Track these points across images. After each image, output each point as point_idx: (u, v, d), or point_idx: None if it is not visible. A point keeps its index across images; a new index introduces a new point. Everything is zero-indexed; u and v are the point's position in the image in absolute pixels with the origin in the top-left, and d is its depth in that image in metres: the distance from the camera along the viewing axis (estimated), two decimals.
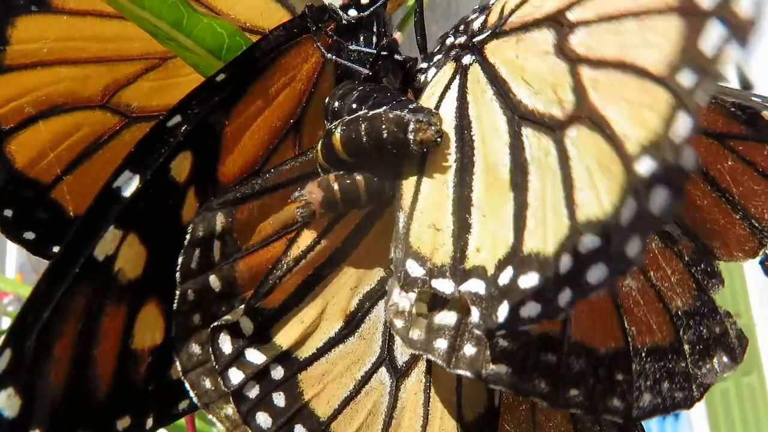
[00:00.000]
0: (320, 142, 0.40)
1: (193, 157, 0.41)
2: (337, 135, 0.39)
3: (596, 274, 0.30)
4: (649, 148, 0.28)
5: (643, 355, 0.40)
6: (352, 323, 0.42)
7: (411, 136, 0.37)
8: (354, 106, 0.41)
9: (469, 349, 0.36)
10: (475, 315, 0.34)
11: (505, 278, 0.33)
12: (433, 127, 0.37)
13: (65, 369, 0.36)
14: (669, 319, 0.42)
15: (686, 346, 0.42)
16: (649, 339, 0.41)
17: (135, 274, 0.39)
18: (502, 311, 0.32)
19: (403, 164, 0.40)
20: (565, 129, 0.33)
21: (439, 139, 0.37)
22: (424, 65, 0.46)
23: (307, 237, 0.42)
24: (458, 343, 0.36)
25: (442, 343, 0.37)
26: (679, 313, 0.42)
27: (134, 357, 0.39)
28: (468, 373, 0.37)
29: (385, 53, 0.47)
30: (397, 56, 0.48)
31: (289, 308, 0.42)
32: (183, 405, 0.43)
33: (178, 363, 0.40)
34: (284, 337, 0.42)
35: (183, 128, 0.41)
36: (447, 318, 0.37)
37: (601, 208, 0.30)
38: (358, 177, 0.40)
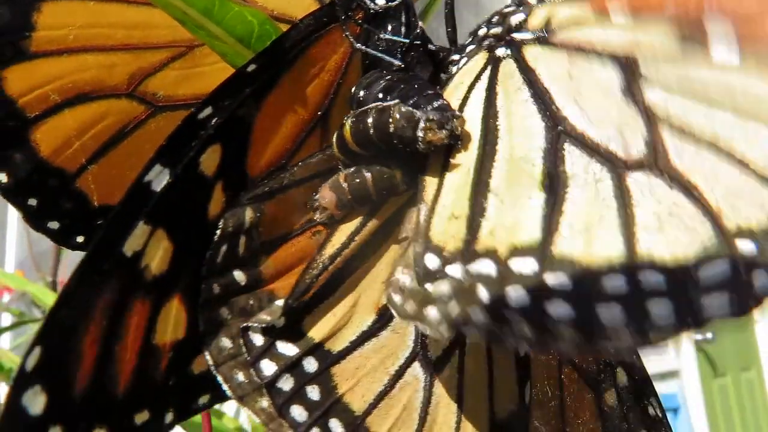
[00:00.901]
0: (335, 134, 0.40)
1: (223, 151, 0.40)
2: (347, 126, 0.38)
3: (661, 309, 0.30)
4: (751, 234, 0.30)
5: None
6: (385, 317, 0.42)
7: (420, 134, 0.36)
8: (380, 96, 0.40)
9: (456, 310, 0.35)
10: (483, 293, 0.33)
11: (522, 266, 0.32)
12: (444, 130, 0.36)
13: (90, 365, 0.35)
14: None
15: None
16: None
17: (160, 270, 0.38)
18: (515, 293, 0.32)
19: (426, 156, 0.39)
20: (629, 169, 0.33)
21: (451, 141, 0.37)
22: (456, 57, 0.45)
23: (341, 234, 0.41)
24: (449, 307, 0.35)
25: (434, 313, 0.35)
26: None
27: (155, 352, 0.38)
28: (453, 333, 0.35)
29: (417, 43, 0.46)
30: (430, 46, 0.47)
31: (320, 301, 0.41)
32: (203, 400, 0.42)
33: (208, 357, 0.39)
34: (316, 330, 0.41)
35: (214, 121, 0.39)
36: (441, 287, 0.36)
37: (671, 254, 0.30)
38: (367, 174, 0.39)
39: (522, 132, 0.36)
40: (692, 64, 0.35)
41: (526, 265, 0.32)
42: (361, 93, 0.42)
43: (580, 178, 0.34)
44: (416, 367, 0.41)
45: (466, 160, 0.37)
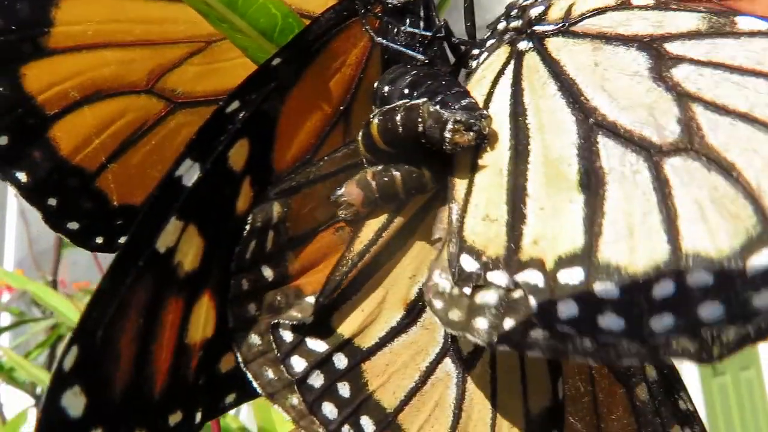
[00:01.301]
0: (361, 131, 0.39)
1: (250, 146, 0.39)
2: (375, 124, 0.37)
3: (710, 310, 0.29)
4: None
5: None
6: (413, 312, 0.41)
7: (448, 136, 0.35)
8: (405, 91, 0.40)
9: (509, 323, 0.34)
10: (533, 303, 0.32)
11: (569, 277, 0.32)
12: (472, 132, 0.35)
13: (127, 365, 0.34)
14: None
15: None
16: None
17: (192, 266, 0.37)
18: (567, 308, 0.31)
19: (454, 154, 0.38)
20: (665, 155, 0.32)
21: (478, 142, 0.36)
22: (476, 51, 0.44)
23: (368, 230, 0.40)
24: (499, 319, 0.34)
25: (482, 323, 0.35)
26: None
27: (187, 351, 0.37)
28: (506, 347, 0.34)
29: (441, 36, 0.45)
30: (453, 39, 0.46)
31: (348, 297, 0.41)
32: (230, 399, 0.41)
33: (238, 354, 0.39)
34: (345, 326, 0.40)
35: (241, 115, 0.39)
36: (488, 296, 0.35)
37: (716, 248, 0.29)
38: (396, 172, 0.38)
39: (553, 129, 0.35)
40: (718, 35, 0.35)
41: (573, 276, 0.32)
42: (386, 88, 0.41)
43: (617, 172, 0.33)
44: (448, 363, 0.41)
45: (495, 159, 0.36)
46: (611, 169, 0.33)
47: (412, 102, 0.36)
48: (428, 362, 0.41)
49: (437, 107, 0.36)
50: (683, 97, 0.33)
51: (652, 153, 0.32)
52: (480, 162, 0.37)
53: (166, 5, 0.47)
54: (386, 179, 0.38)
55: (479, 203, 0.36)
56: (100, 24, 0.46)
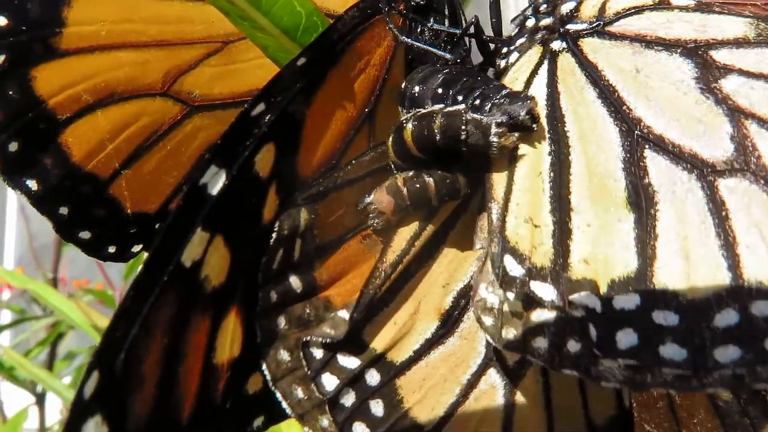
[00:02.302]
0: (392, 136, 0.37)
1: (276, 150, 0.37)
2: (409, 130, 0.35)
3: None
4: None
5: None
6: (449, 322, 0.39)
7: (494, 140, 0.33)
8: (439, 90, 0.37)
9: (573, 346, 0.32)
10: (592, 333, 0.30)
11: (626, 303, 0.30)
12: (516, 132, 0.33)
13: (152, 390, 0.31)
14: None
15: None
16: None
17: (219, 280, 0.34)
18: (626, 337, 0.30)
19: (490, 154, 0.35)
20: (719, 176, 0.30)
21: (530, 128, 0.34)
22: (504, 50, 0.42)
23: (400, 239, 0.38)
24: (560, 340, 0.32)
25: (542, 342, 0.32)
26: None
27: (215, 372, 0.35)
28: (574, 372, 0.32)
29: (471, 33, 0.43)
30: (484, 37, 0.43)
31: (380, 309, 0.39)
32: (258, 422, 0.39)
33: (266, 371, 0.36)
34: (377, 340, 0.38)
35: (267, 118, 0.36)
36: (545, 315, 0.33)
37: None
38: (428, 179, 0.36)
39: (595, 139, 0.33)
40: None
41: (629, 301, 0.30)
42: (417, 89, 0.38)
43: (668, 191, 0.31)
44: (492, 375, 0.38)
45: (535, 161, 0.34)
46: (661, 186, 0.31)
47: (452, 108, 0.34)
48: (470, 375, 0.38)
49: (475, 115, 0.34)
50: (735, 113, 0.31)
51: (705, 172, 0.30)
52: (519, 163, 0.35)
53: (182, 4, 0.44)
54: (418, 186, 0.36)
55: (521, 203, 0.34)
56: (114, 24, 0.44)
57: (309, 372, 0.36)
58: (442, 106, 0.35)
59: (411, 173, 0.36)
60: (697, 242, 0.29)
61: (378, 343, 0.38)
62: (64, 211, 0.44)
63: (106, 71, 0.44)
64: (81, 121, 0.44)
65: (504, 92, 0.35)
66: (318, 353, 0.37)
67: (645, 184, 0.31)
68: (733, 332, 0.28)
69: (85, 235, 0.45)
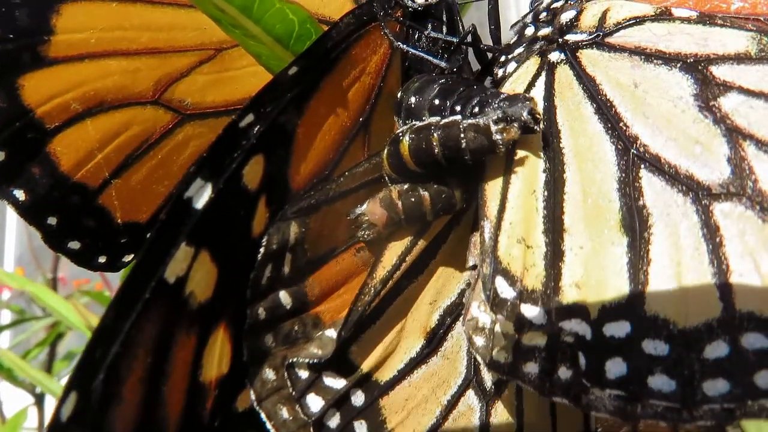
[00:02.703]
0: (387, 149, 0.35)
1: (265, 162, 0.36)
2: (406, 143, 0.34)
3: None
4: None
5: None
6: (434, 341, 0.38)
7: (497, 138, 0.32)
8: (436, 101, 0.36)
9: (564, 373, 0.31)
10: (581, 361, 0.30)
11: (616, 331, 0.29)
12: (516, 122, 0.32)
13: (135, 410, 0.30)
14: None
15: None
16: None
17: (205, 296, 0.33)
18: (615, 367, 0.29)
19: (485, 166, 0.35)
20: (715, 199, 0.29)
21: (532, 128, 0.32)
22: (502, 58, 0.41)
23: (391, 254, 0.37)
24: (551, 366, 0.31)
25: (532, 367, 0.32)
26: None
27: (202, 390, 0.34)
28: (565, 400, 0.32)
29: (467, 42, 0.42)
30: (482, 45, 0.42)
31: (368, 327, 0.37)
32: None
33: (251, 391, 0.35)
34: (363, 359, 0.37)
35: (256, 129, 0.35)
36: (536, 339, 0.32)
37: None
38: (424, 193, 0.35)
39: (591, 157, 0.32)
40: None
41: (620, 329, 0.29)
42: (413, 99, 0.37)
43: (662, 214, 0.30)
44: (470, 396, 0.37)
45: (529, 178, 0.33)
46: (656, 209, 0.30)
47: (447, 120, 0.33)
48: (450, 395, 0.37)
49: (470, 120, 0.33)
50: (733, 133, 0.30)
51: (700, 195, 0.29)
52: (513, 180, 0.34)
53: (174, 11, 0.43)
54: (413, 199, 0.35)
55: (514, 222, 0.33)
56: (104, 32, 0.43)
57: (294, 393, 0.35)
58: (438, 118, 0.34)
59: (406, 186, 0.35)
60: (690, 269, 0.28)
61: (364, 362, 0.37)
62: (52, 221, 0.43)
63: (96, 79, 0.43)
64: (70, 130, 0.43)
65: (502, 97, 0.34)
66: (303, 374, 0.36)
67: (640, 206, 0.30)
68: (722, 365, 0.27)
69: (74, 245, 0.44)
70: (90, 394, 0.28)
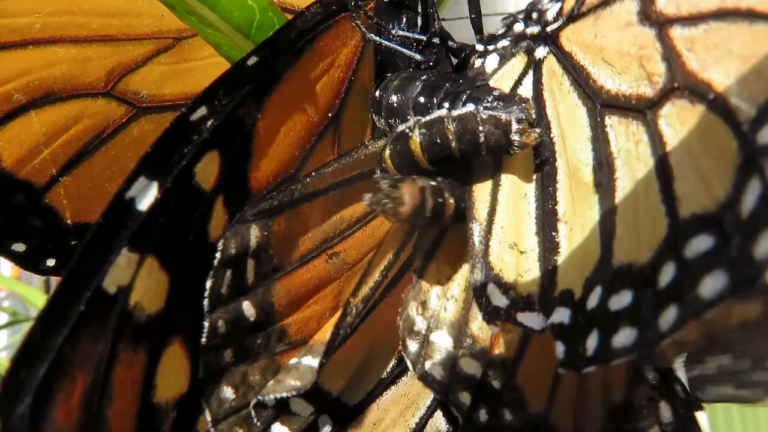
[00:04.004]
0: (389, 148, 0.32)
1: (221, 159, 0.33)
2: (416, 139, 0.31)
3: (712, 284, 0.22)
4: None
5: None
6: (404, 361, 0.35)
7: (515, 138, 0.29)
8: (422, 99, 0.34)
9: (483, 415, 0.32)
10: (559, 350, 0.27)
11: (593, 301, 0.26)
12: (538, 129, 0.30)
13: None
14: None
15: None
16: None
17: (156, 307, 0.30)
18: (591, 343, 0.26)
19: (473, 169, 0.32)
20: (657, 108, 0.26)
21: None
22: (480, 47, 0.38)
23: (375, 270, 0.34)
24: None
25: (466, 397, 0.31)
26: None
27: (157, 413, 0.30)
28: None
29: (436, 40, 0.39)
30: (450, 43, 0.39)
31: (337, 347, 0.34)
32: None
33: (206, 411, 0.31)
34: (333, 382, 0.35)
35: (209, 123, 0.32)
36: (472, 368, 0.32)
37: (711, 198, 0.23)
38: (450, 199, 0.32)
39: (573, 132, 0.30)
40: None
41: (594, 299, 0.26)
42: (394, 98, 0.35)
43: (623, 152, 0.27)
44: (438, 419, 0.35)
45: (520, 176, 0.31)
46: (619, 151, 0.28)
47: (461, 111, 0.30)
48: (418, 418, 0.35)
49: (490, 111, 0.30)
50: (663, 26, 0.27)
51: (646, 113, 0.27)
52: (503, 180, 0.31)
53: None
54: (440, 201, 0.32)
55: (504, 225, 0.31)
56: (51, 16, 0.39)
57: (258, 425, 0.32)
58: (447, 111, 0.31)
59: (433, 183, 0.32)
60: (644, 196, 0.26)
61: (334, 386, 0.34)
62: None
63: (41, 68, 0.39)
64: (12, 123, 0.39)
65: (495, 94, 0.31)
66: (271, 402, 0.33)
67: (606, 157, 0.28)
68: (672, 288, 0.23)
69: (18, 247, 0.40)
70: (16, 420, 0.24)
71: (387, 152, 0.32)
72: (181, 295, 0.31)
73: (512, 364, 0.33)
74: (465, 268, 0.34)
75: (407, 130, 0.31)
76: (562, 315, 0.27)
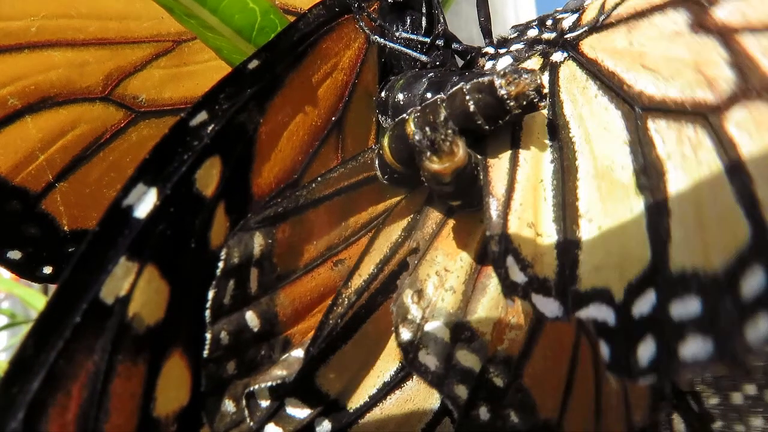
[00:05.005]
0: (387, 136, 0.32)
1: (222, 165, 0.31)
2: (412, 122, 0.30)
3: None
4: None
5: None
6: None
7: (504, 93, 0.28)
8: (429, 95, 0.33)
9: (483, 413, 0.30)
10: (605, 352, 0.26)
11: (644, 306, 0.25)
12: (525, 77, 0.29)
13: None
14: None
15: None
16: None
17: (155, 318, 0.29)
18: (646, 351, 0.25)
19: (488, 149, 0.32)
20: (723, 112, 0.25)
21: (538, 99, 0.29)
22: (491, 50, 0.37)
23: (369, 262, 0.33)
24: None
25: (462, 391, 0.30)
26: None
27: (157, 427, 0.29)
28: None
29: (440, 43, 0.38)
30: (456, 45, 0.39)
31: (337, 347, 0.33)
32: None
33: (207, 425, 0.30)
34: (331, 384, 0.33)
35: (210, 128, 0.31)
36: (470, 361, 0.30)
37: None
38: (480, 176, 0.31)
39: (600, 134, 0.29)
40: None
41: (647, 303, 0.25)
42: (400, 96, 0.34)
43: (676, 156, 0.26)
44: (447, 425, 0.34)
45: (536, 165, 0.30)
46: (669, 154, 0.26)
47: (451, 90, 0.30)
48: (425, 424, 0.34)
49: (473, 80, 0.29)
50: (729, 34, 0.27)
51: (708, 117, 0.26)
52: (521, 163, 0.30)
53: None
54: (475, 174, 0.31)
55: (524, 204, 0.30)
56: (47, 19, 0.38)
57: (252, 424, 0.31)
58: (439, 96, 0.30)
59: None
60: (711, 200, 0.25)
61: (332, 388, 0.33)
62: None
63: (38, 73, 0.38)
64: (8, 128, 0.38)
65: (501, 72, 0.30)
66: (264, 402, 0.32)
67: (653, 159, 0.27)
68: (763, 296, 0.22)
69: (14, 255, 0.39)
70: None
71: (386, 140, 0.31)
72: (182, 305, 0.30)
73: (517, 363, 0.32)
74: (465, 261, 0.33)
75: (404, 117, 0.30)
76: (603, 314, 0.26)
